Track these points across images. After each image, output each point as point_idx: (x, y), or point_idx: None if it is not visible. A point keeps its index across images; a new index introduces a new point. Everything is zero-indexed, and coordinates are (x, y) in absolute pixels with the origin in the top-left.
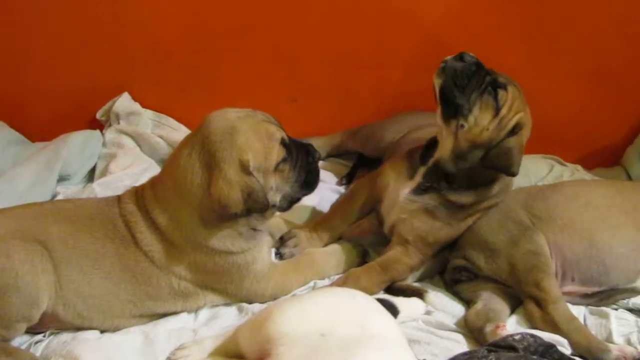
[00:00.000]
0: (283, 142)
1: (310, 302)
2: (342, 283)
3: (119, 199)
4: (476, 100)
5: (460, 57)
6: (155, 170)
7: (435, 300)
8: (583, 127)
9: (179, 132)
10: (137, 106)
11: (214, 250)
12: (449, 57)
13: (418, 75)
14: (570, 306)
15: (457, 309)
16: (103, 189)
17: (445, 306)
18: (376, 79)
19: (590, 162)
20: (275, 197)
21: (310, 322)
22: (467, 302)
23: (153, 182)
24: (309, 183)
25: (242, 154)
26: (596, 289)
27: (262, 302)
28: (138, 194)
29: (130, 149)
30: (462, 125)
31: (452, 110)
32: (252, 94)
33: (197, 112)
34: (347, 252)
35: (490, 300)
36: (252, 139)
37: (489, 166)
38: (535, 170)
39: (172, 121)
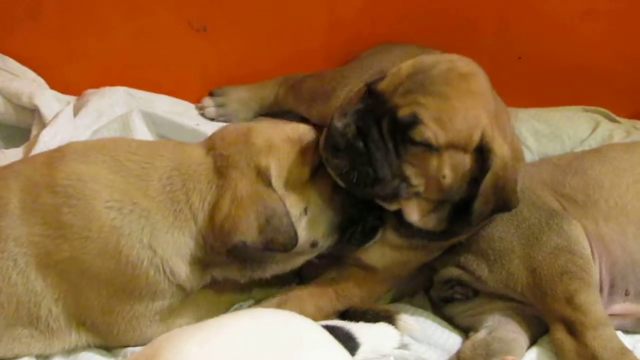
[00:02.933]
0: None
1: (222, 333)
2: (278, 306)
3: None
4: (402, 166)
5: (335, 149)
6: None
7: (414, 327)
8: None
9: (23, 80)
10: None
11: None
12: (321, 148)
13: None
14: (620, 334)
15: (448, 341)
16: None
17: (430, 336)
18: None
19: None
20: (314, 231)
21: None
22: (465, 331)
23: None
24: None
25: (260, 157)
26: None
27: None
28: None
29: None
30: (417, 193)
31: (389, 199)
32: (135, 17)
33: (48, 48)
34: None
35: (499, 327)
36: (275, 138)
37: (482, 220)
38: (570, 131)
39: (9, 62)
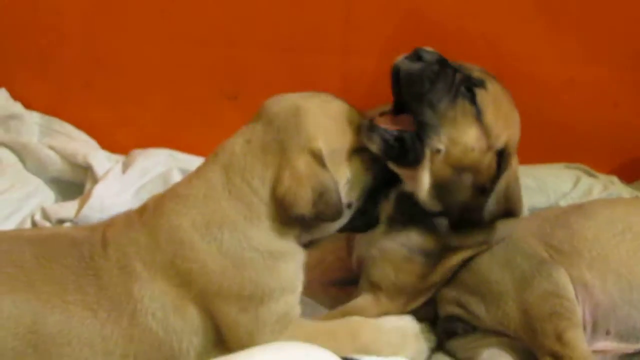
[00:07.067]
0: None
1: None
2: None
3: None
4: (447, 111)
5: (417, 55)
6: (45, 193)
7: None
8: (619, 127)
9: (78, 141)
10: (18, 107)
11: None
12: (399, 59)
13: None
14: None
15: None
16: None
17: None
18: (345, 68)
19: (629, 172)
20: (351, 194)
21: None
22: None
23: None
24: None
25: (312, 141)
26: None
27: None
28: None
29: (9, 166)
30: (437, 150)
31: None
32: (175, 88)
33: (100, 115)
34: (414, 335)
35: None
36: (323, 120)
37: (491, 220)
38: (555, 185)
39: (67, 126)
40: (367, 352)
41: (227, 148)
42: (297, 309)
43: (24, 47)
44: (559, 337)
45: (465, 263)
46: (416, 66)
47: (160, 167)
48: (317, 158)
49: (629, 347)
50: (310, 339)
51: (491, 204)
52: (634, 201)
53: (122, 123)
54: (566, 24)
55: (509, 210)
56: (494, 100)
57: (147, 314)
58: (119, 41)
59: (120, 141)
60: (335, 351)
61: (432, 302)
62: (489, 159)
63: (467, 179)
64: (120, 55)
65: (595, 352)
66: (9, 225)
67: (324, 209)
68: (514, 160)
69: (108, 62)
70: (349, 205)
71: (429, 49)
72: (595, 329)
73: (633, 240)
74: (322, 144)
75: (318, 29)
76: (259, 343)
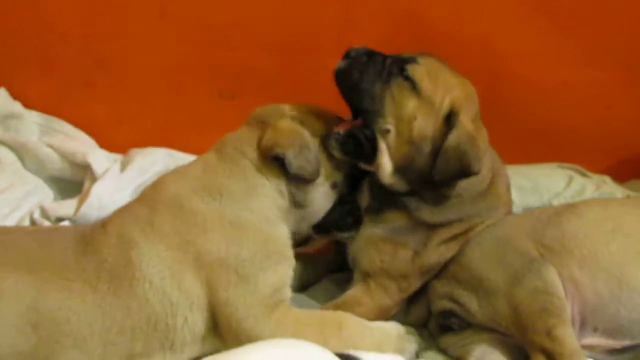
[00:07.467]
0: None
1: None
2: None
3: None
4: (384, 92)
5: (346, 54)
6: (44, 192)
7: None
8: (611, 128)
9: (76, 140)
10: (17, 106)
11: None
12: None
13: None
14: None
15: None
16: None
17: None
18: None
19: (621, 172)
20: (335, 173)
21: None
22: None
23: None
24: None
25: (292, 111)
26: (627, 342)
27: None
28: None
29: (8, 165)
30: (387, 131)
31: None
32: (173, 88)
33: (100, 114)
34: (397, 335)
35: (485, 357)
36: (299, 107)
37: (445, 180)
38: (548, 185)
39: (66, 126)
40: (352, 345)
41: (219, 141)
42: (288, 290)
43: (24, 47)
44: (549, 333)
45: (456, 259)
46: (344, 62)
47: (159, 165)
48: (297, 120)
49: (617, 344)
50: (299, 323)
51: (440, 162)
52: (625, 201)
53: (120, 122)
54: (560, 26)
55: (463, 168)
56: (428, 70)
57: (145, 281)
58: (118, 41)
59: (118, 140)
60: (322, 338)
61: (423, 304)
62: (439, 125)
63: (427, 149)
64: (119, 55)
65: (583, 347)
66: (8, 223)
67: (304, 163)
68: (466, 121)
69: (107, 62)
70: (334, 186)
71: (357, 46)
72: (584, 326)
73: (624, 239)
74: (301, 115)
75: (316, 30)
76: (253, 322)
